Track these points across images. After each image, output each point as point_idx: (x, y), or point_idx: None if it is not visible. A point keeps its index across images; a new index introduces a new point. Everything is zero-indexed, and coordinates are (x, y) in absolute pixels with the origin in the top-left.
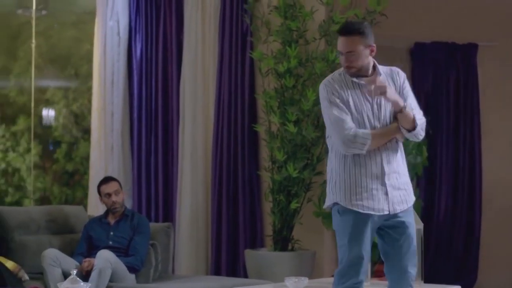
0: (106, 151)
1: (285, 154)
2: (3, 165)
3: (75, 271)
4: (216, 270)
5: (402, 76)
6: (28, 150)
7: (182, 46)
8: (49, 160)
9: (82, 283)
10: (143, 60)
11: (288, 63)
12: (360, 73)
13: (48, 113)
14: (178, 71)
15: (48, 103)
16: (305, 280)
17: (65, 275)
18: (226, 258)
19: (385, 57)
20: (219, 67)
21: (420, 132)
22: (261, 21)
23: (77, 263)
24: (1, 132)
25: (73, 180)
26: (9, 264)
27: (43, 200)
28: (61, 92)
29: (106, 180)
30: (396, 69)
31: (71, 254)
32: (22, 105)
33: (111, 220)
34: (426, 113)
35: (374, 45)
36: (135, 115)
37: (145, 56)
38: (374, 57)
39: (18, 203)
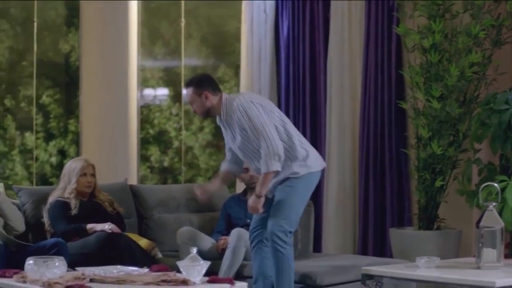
0: None
1: (430, 131)
2: (176, 144)
3: (195, 249)
4: (363, 249)
5: (236, 113)
6: (201, 129)
7: (329, 23)
8: (222, 139)
9: (201, 261)
10: (290, 37)
11: (433, 38)
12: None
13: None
14: (325, 48)
15: (220, 82)
16: (436, 260)
17: (200, 253)
18: (373, 237)
19: None
20: (365, 43)
21: (276, 164)
22: None
23: (214, 241)
24: (174, 110)
25: None
26: (143, 242)
27: None
28: (231, 71)
29: None
30: (233, 106)
31: (211, 232)
32: None
33: (250, 197)
34: None
35: (207, 92)
36: (283, 93)
37: (292, 33)
38: None
39: (191, 181)
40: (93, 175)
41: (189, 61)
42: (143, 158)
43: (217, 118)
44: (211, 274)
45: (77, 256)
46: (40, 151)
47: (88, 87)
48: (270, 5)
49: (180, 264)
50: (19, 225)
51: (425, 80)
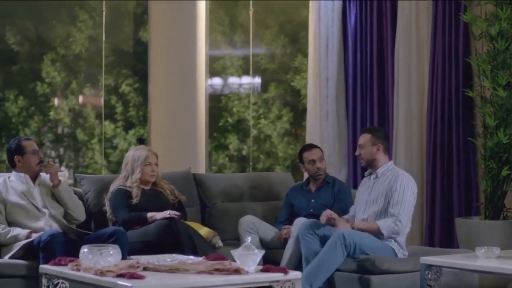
0: (322, 117)
1: (496, 119)
2: (255, 132)
3: (249, 238)
4: (430, 240)
5: (396, 184)
6: (279, 117)
7: (397, 11)
8: (300, 127)
9: (255, 250)
10: (357, 25)
11: (499, 25)
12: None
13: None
14: (392, 36)
15: (297, 71)
16: (496, 250)
17: (262, 242)
18: (440, 227)
19: None
20: (432, 30)
21: (388, 233)
22: None
23: (276, 230)
24: (253, 99)
25: None
26: (203, 230)
27: (294, 167)
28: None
29: (309, 146)
30: (398, 172)
31: (274, 221)
32: (273, 72)
33: (312, 187)
34: None
35: (381, 145)
36: (350, 80)
37: (359, 21)
38: None
39: (269, 169)
40: (157, 164)
41: (267, 49)
42: (222, 147)
43: (367, 172)
44: (274, 263)
45: (138, 244)
46: (120, 139)
47: (157, 77)
48: None
49: (235, 253)
50: (80, 214)
51: (492, 68)
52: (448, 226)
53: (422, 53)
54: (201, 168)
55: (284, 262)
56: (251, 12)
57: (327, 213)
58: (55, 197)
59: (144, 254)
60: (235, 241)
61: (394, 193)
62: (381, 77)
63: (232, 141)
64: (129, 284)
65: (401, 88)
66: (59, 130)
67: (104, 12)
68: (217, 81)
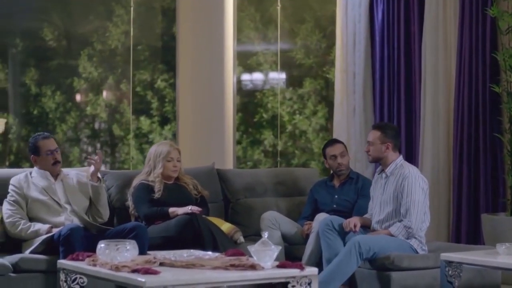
0: (348, 113)
1: None
2: (289, 128)
3: (266, 234)
4: (457, 236)
5: (403, 185)
6: (314, 113)
7: (424, 6)
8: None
9: (272, 246)
10: (384, 21)
11: None
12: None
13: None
14: (419, 32)
15: (333, 64)
16: None
17: (285, 238)
18: (467, 223)
19: None
20: (459, 25)
21: (404, 237)
22: None
23: (299, 226)
24: (288, 94)
25: None
26: (225, 226)
27: None
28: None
29: (332, 142)
30: (405, 171)
31: (299, 217)
32: (309, 67)
33: (336, 183)
34: None
35: (390, 144)
36: (377, 76)
37: (386, 17)
38: None
39: (304, 165)
40: (179, 159)
41: (304, 44)
42: (257, 142)
43: (379, 169)
44: (296, 259)
45: (159, 240)
46: (155, 135)
47: (185, 72)
48: None
49: (251, 248)
50: (106, 213)
51: None
52: (475, 222)
53: (449, 48)
54: (229, 164)
55: (305, 258)
56: (279, 8)
57: (351, 226)
58: (79, 193)
59: (165, 249)
60: (258, 237)
61: (403, 194)
62: (408, 73)
63: (267, 136)
64: (143, 279)
65: (428, 84)
66: (96, 126)
67: (132, 8)
68: (252, 76)
